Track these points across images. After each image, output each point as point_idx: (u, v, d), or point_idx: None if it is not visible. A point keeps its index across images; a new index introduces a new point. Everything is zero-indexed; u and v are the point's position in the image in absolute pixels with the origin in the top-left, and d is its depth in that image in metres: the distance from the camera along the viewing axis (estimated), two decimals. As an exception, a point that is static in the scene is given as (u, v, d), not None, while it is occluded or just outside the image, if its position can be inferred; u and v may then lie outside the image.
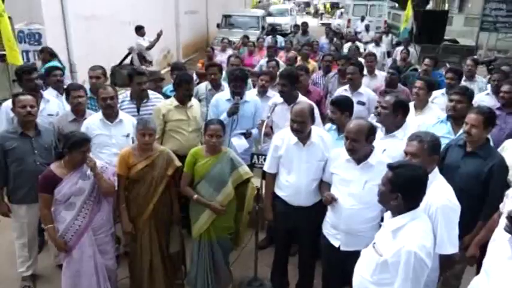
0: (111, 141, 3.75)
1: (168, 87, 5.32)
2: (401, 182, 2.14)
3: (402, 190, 2.15)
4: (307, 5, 41.36)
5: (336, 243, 3.00)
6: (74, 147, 3.03)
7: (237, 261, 3.87)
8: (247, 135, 4.18)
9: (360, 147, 2.81)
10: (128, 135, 3.81)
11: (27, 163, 3.46)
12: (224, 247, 3.50)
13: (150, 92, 4.47)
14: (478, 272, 3.06)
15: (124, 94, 4.41)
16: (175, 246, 3.57)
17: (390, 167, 2.19)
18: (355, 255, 2.74)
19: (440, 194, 2.52)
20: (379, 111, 3.31)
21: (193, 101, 4.33)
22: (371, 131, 2.82)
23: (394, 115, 3.27)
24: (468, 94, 3.67)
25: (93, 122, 3.77)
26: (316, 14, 35.07)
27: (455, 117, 3.59)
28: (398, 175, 2.14)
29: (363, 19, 16.23)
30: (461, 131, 3.53)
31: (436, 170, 2.66)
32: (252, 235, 3.80)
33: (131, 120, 3.90)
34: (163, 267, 3.52)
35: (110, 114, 3.77)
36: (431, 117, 3.88)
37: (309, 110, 3.19)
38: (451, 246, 2.50)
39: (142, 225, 3.38)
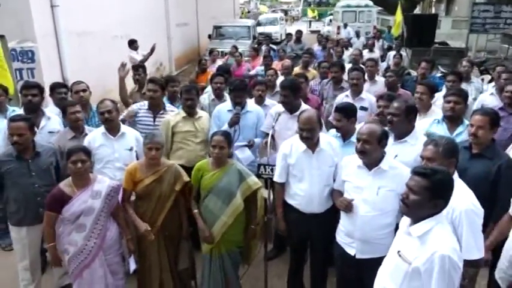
0: (115, 155, 3.67)
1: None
2: (443, 187, 2.10)
3: (445, 196, 2.11)
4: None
5: (351, 252, 2.95)
6: (68, 157, 2.98)
7: (246, 274, 3.79)
8: (249, 146, 4.11)
9: (371, 149, 2.76)
10: (131, 149, 3.73)
11: (24, 186, 3.33)
12: (234, 260, 3.43)
13: (166, 104, 4.47)
14: (490, 275, 3.04)
15: (142, 103, 4.41)
16: (184, 263, 3.51)
17: (423, 174, 2.10)
18: (371, 262, 2.74)
19: (464, 198, 2.48)
20: (391, 119, 3.23)
21: (203, 113, 4.29)
22: (383, 135, 2.80)
23: (408, 120, 3.24)
24: (464, 95, 3.68)
25: (95, 136, 3.69)
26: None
27: (453, 118, 3.60)
28: (438, 181, 2.08)
29: (345, 26, 16.31)
30: (457, 132, 3.55)
31: (456, 173, 2.62)
32: (261, 247, 3.74)
33: (134, 133, 3.85)
34: (174, 284, 3.45)
35: (112, 128, 3.70)
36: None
37: (317, 117, 3.18)
38: (478, 251, 2.46)
39: (150, 242, 3.30)
